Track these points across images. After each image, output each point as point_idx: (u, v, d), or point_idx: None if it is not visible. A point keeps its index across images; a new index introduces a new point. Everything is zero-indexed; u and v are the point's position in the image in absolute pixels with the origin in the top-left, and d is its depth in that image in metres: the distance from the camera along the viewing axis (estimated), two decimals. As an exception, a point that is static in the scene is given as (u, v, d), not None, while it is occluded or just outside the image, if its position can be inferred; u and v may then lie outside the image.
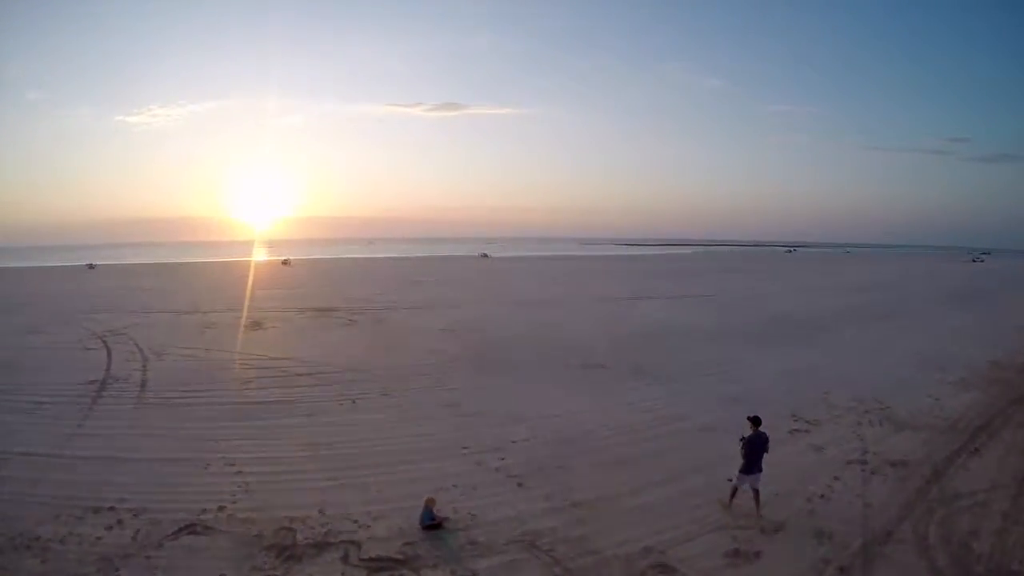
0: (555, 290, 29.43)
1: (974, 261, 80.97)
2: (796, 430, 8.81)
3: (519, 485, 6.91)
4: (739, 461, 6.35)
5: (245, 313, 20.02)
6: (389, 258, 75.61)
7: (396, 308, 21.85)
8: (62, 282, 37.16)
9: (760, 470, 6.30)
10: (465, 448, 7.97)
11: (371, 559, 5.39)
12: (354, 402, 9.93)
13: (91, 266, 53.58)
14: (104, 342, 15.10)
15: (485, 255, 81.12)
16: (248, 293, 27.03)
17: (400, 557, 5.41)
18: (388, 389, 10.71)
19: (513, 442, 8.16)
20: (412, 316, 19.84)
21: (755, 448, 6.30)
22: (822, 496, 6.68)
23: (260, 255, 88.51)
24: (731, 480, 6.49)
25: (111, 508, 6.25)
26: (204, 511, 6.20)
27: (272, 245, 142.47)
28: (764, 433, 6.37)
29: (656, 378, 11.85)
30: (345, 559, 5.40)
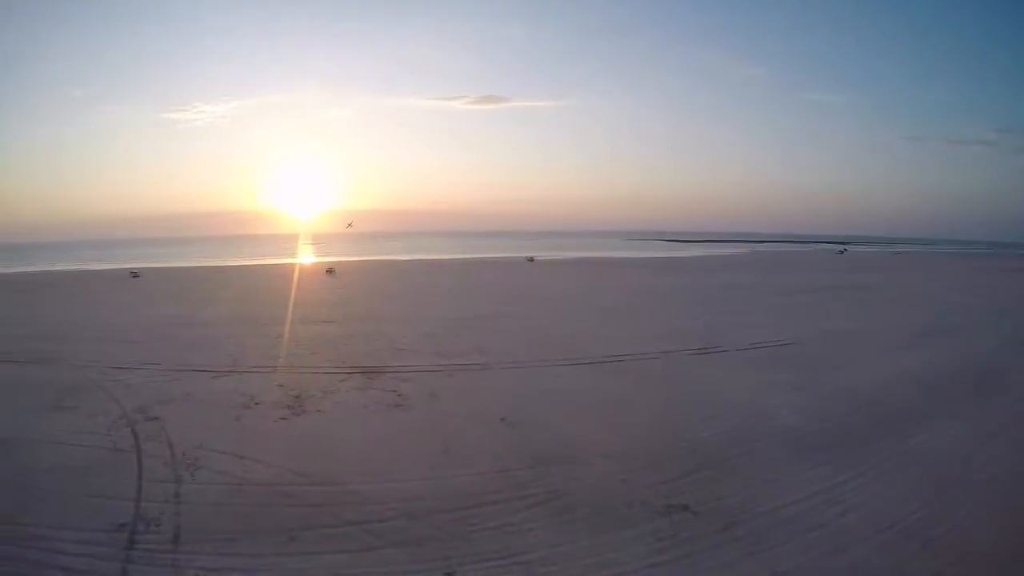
0: (612, 330, 27.18)
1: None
2: None
3: None
4: None
5: (285, 376, 18.71)
6: (432, 262, 74.61)
7: (447, 366, 20.11)
8: (103, 301, 36.76)
9: None
10: None
11: None
12: (416, 595, 8.38)
13: (135, 274, 53.56)
14: (134, 434, 13.74)
15: (531, 259, 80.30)
16: (289, 333, 26.02)
17: None
18: (452, 560, 9.02)
19: None
20: (465, 387, 17.92)
21: None
22: None
23: (304, 254, 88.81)
24: None
25: None
26: None
27: (316, 241, 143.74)
28: None
29: (753, 543, 9.63)
30: None
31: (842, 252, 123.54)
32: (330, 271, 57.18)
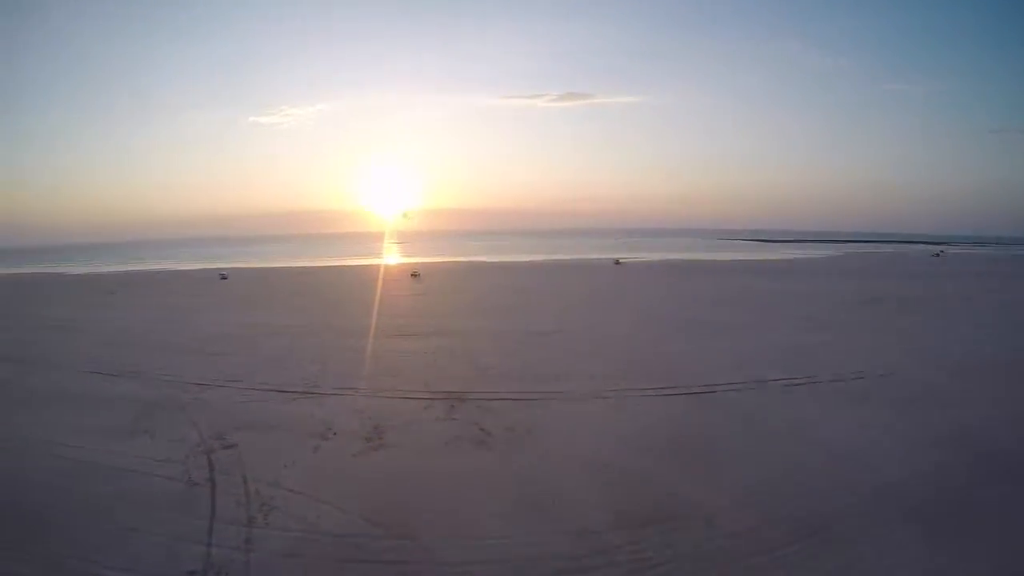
0: (701, 349, 25.07)
1: None
2: None
3: None
4: None
5: (365, 401, 18.20)
6: (515, 265, 74.04)
7: (532, 393, 18.91)
8: (188, 307, 37.80)
9: None
10: None
11: None
12: None
13: (223, 276, 55.32)
14: (210, 464, 13.51)
15: (618, 261, 79.13)
16: (370, 347, 25.85)
17: None
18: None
19: None
20: (551, 421, 16.53)
21: None
22: None
23: (390, 254, 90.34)
24: None
25: None
26: None
27: (401, 240, 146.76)
28: None
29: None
30: None
31: (938, 255, 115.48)
32: (415, 275, 57.66)
